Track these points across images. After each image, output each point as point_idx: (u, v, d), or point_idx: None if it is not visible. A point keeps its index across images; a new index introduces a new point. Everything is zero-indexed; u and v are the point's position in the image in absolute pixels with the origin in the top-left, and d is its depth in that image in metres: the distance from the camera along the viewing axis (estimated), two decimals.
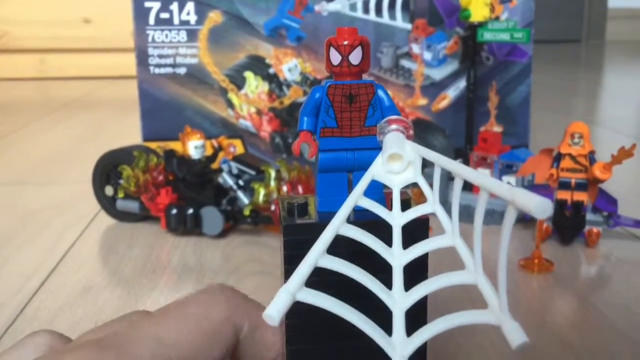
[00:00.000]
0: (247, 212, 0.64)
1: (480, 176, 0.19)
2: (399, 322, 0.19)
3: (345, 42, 0.26)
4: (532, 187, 0.68)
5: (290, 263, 0.25)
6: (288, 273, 0.25)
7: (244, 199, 0.65)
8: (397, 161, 0.23)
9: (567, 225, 0.62)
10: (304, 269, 0.18)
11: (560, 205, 0.62)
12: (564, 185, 0.62)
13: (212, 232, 0.65)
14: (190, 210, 0.65)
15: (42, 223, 0.71)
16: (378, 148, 0.25)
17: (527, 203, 0.16)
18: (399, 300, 0.20)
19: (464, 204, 0.69)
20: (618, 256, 0.61)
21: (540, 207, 0.16)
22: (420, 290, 0.20)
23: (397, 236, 0.22)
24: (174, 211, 0.65)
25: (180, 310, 0.25)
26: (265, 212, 0.64)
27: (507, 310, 0.18)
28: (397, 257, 0.21)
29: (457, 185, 0.20)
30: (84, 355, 0.22)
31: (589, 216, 0.62)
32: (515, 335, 0.17)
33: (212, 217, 0.64)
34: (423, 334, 0.19)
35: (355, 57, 0.26)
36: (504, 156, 0.72)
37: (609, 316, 0.49)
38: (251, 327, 0.26)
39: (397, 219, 0.23)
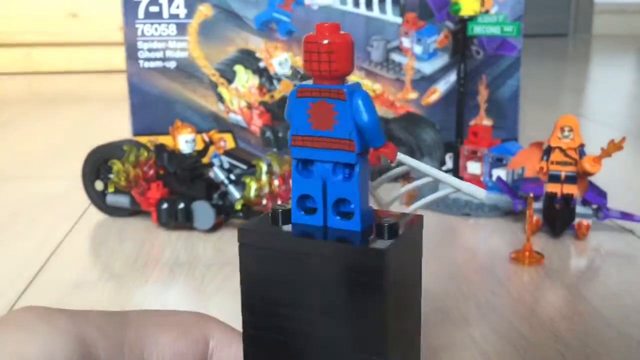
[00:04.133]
0: (238, 206, 0.64)
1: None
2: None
3: None
4: (522, 180, 0.68)
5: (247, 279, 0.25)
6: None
7: (235, 193, 0.65)
8: None
9: (557, 217, 0.62)
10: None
11: (550, 198, 0.62)
12: (554, 178, 0.62)
13: (204, 226, 0.64)
14: (182, 205, 0.64)
15: (31, 218, 0.71)
16: None
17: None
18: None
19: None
20: (607, 248, 0.61)
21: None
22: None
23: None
24: (165, 206, 0.65)
25: (154, 312, 0.29)
26: (257, 207, 0.64)
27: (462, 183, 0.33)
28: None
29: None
30: (33, 311, 0.24)
31: (579, 209, 0.63)
32: (476, 191, 0.31)
33: (203, 211, 0.64)
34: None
35: None
36: (494, 149, 0.72)
37: (598, 307, 0.49)
38: (220, 341, 0.28)
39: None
